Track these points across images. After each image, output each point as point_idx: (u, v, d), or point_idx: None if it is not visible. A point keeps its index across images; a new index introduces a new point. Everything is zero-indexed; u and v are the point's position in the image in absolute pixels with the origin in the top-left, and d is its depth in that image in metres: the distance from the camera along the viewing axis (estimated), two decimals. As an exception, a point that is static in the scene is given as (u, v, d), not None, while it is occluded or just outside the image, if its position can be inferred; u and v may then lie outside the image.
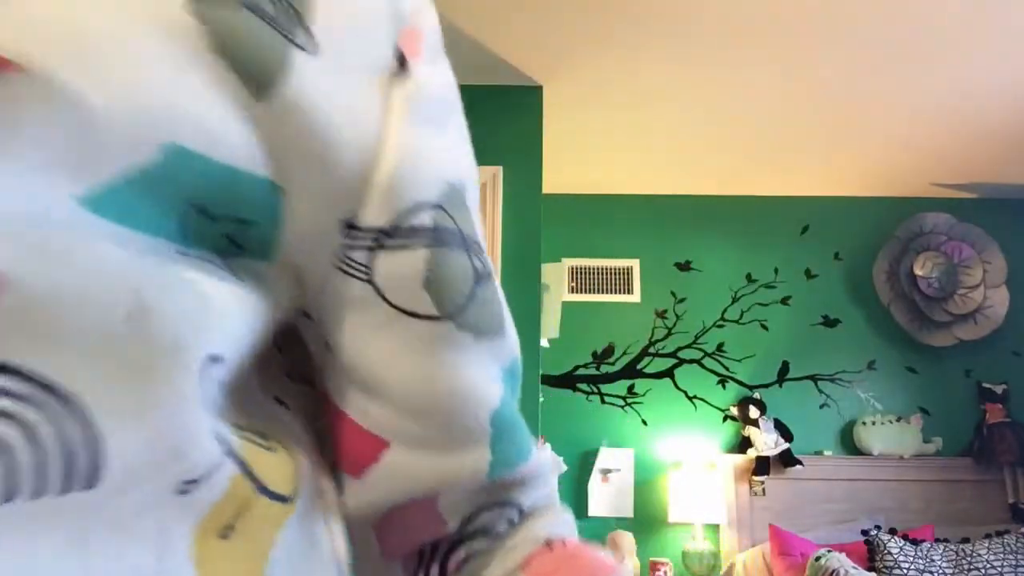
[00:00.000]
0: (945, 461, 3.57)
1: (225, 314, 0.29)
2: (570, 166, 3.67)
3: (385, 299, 0.34)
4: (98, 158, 0.24)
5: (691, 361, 3.79)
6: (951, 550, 2.93)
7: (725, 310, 3.86)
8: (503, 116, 2.95)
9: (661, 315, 3.85)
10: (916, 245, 3.79)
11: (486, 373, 0.37)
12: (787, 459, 3.49)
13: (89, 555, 0.25)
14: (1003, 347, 3.77)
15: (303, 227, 0.31)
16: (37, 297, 0.23)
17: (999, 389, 3.67)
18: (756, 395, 3.71)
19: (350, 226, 0.33)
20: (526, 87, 2.98)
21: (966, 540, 2.97)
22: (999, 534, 2.99)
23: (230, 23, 0.27)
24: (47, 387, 0.23)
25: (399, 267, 0.33)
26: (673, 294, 3.88)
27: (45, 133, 0.23)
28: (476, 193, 0.38)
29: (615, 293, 3.90)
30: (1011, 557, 2.85)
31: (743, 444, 3.60)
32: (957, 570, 2.85)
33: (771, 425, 3.58)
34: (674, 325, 3.84)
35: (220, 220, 0.29)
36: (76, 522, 0.25)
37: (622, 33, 2.65)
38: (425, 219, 0.34)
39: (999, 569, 2.81)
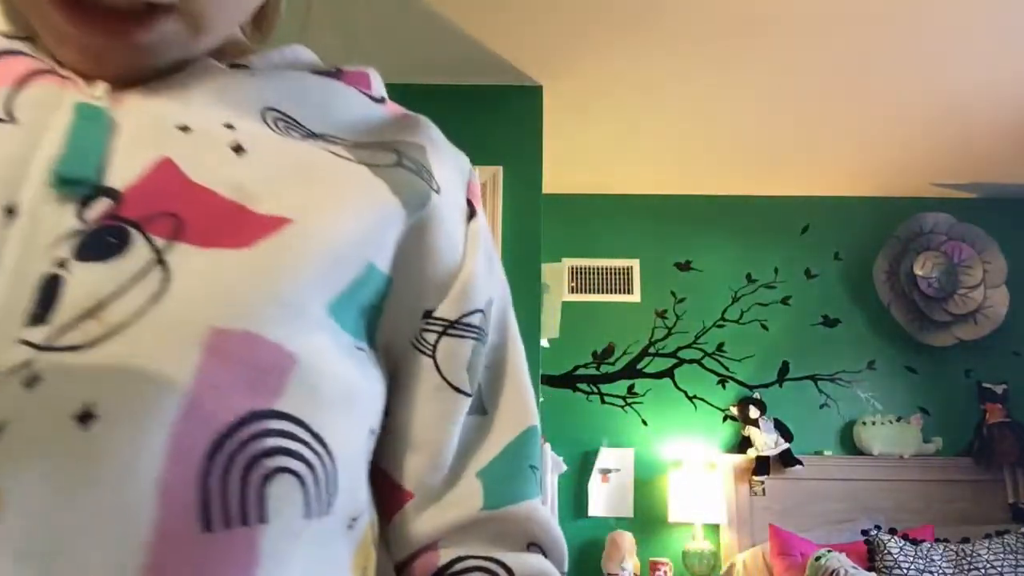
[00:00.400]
0: (945, 461, 3.57)
1: (380, 398, 0.42)
2: (570, 166, 3.67)
3: (440, 372, 0.45)
4: (337, 275, 0.37)
5: (691, 361, 3.79)
6: (951, 550, 2.93)
7: (725, 310, 3.86)
8: (503, 116, 2.95)
9: (661, 315, 3.85)
10: (916, 245, 3.79)
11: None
12: (787, 459, 3.48)
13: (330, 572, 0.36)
14: (1003, 347, 3.77)
15: (403, 309, 0.43)
16: (308, 372, 0.34)
17: (999, 389, 3.66)
18: (756, 395, 3.71)
19: (428, 313, 0.45)
20: (526, 87, 2.98)
21: (966, 540, 2.97)
22: (999, 534, 2.99)
23: (395, 176, 0.42)
24: (316, 435, 0.34)
25: (454, 350, 0.45)
26: (673, 294, 3.88)
27: (313, 261, 0.35)
28: (503, 303, 0.51)
29: (615, 293, 3.89)
30: (1011, 557, 2.84)
31: (743, 444, 3.60)
32: (957, 570, 2.85)
33: (771, 425, 3.58)
34: (674, 325, 3.83)
35: (365, 313, 0.41)
36: (323, 543, 0.35)
37: (622, 33, 2.65)
38: (475, 319, 0.46)
39: (999, 569, 2.81)
